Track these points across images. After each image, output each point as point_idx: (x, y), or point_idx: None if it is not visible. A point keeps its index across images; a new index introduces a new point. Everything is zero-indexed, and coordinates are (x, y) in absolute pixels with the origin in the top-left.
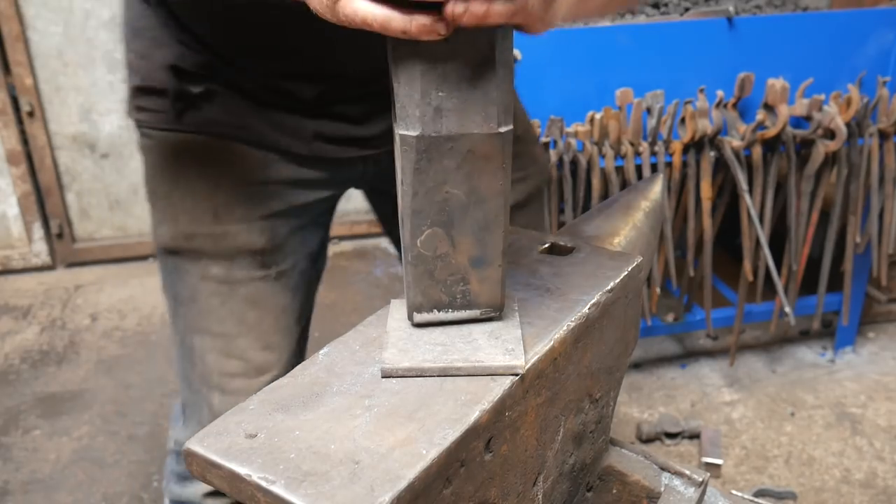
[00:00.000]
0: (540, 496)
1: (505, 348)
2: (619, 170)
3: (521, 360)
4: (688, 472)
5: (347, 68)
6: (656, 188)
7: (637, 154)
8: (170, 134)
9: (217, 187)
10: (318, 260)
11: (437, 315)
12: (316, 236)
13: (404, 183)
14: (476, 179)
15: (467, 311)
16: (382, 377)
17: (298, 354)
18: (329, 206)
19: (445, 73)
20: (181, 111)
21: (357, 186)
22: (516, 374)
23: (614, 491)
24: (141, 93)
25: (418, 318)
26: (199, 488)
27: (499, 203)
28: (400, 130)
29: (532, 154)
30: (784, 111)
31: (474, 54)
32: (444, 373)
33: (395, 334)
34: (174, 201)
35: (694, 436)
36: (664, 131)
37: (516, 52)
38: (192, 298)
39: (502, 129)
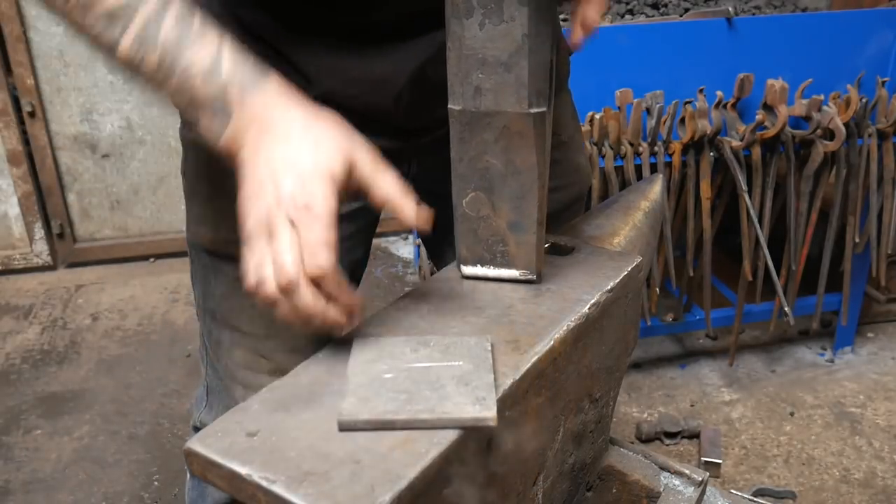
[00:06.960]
0: (540, 496)
1: (475, 396)
2: (619, 170)
3: (492, 412)
4: (687, 472)
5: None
6: (656, 188)
7: (637, 154)
8: None
9: None
10: (359, 269)
11: (480, 269)
12: (361, 246)
13: (452, 150)
14: (512, 153)
15: (507, 270)
16: (340, 430)
17: None
18: (374, 216)
19: (485, 57)
20: None
21: None
22: (488, 426)
23: (614, 490)
24: None
25: (465, 270)
26: None
27: (532, 176)
28: (449, 104)
29: (574, 162)
30: (783, 111)
31: (509, 43)
32: (408, 425)
33: (356, 380)
34: (217, 207)
35: (693, 435)
36: (664, 131)
37: None
38: (225, 296)
39: (533, 110)
